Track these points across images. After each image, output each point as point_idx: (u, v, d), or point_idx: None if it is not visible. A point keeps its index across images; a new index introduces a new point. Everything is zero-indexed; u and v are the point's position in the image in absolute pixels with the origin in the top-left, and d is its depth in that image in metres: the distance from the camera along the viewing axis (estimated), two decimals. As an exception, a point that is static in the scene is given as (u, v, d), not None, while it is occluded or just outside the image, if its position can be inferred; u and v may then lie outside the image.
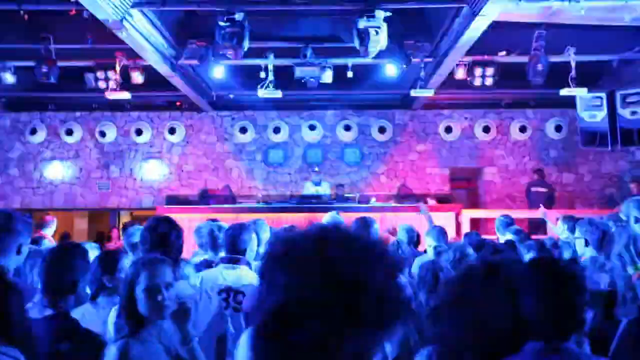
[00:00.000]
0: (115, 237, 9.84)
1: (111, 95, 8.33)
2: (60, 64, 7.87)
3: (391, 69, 8.28)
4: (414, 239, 5.39)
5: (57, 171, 11.32)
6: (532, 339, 1.37)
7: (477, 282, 1.38)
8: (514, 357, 1.35)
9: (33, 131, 11.20)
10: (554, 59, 8.00)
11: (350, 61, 8.19)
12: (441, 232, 4.75)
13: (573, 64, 8.13)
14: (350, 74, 8.36)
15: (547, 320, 1.41)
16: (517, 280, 1.42)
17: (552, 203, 9.64)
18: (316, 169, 10.42)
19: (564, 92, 8.37)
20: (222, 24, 6.77)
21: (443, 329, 1.39)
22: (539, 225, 8.44)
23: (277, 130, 11.21)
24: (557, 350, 1.40)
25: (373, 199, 9.50)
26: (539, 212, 7.15)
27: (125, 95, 8.37)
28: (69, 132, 11.18)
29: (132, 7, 6.20)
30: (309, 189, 9.79)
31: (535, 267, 1.59)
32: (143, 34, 6.89)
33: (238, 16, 6.41)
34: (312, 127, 11.24)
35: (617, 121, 9.41)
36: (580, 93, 8.77)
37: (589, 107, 9.52)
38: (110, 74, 8.26)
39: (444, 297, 1.52)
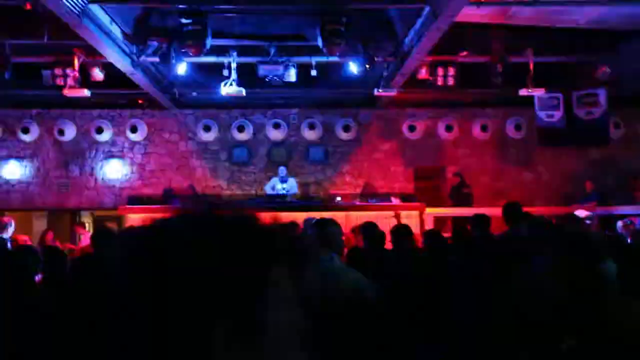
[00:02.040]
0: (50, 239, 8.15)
1: (70, 93, 8.13)
2: (15, 60, 7.64)
3: (354, 68, 8.32)
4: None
5: (13, 170, 10.99)
6: None
7: None
8: None
9: (-13, 129, 10.84)
10: (514, 59, 8.19)
11: (314, 60, 8.20)
12: None
13: (531, 65, 8.32)
14: (314, 73, 8.37)
15: None
16: None
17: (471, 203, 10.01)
18: (284, 166, 10.36)
19: (523, 92, 8.57)
20: (183, 20, 6.69)
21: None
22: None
23: (241, 128, 11.13)
24: None
25: (338, 198, 9.55)
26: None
27: (85, 92, 8.18)
28: (26, 131, 10.86)
29: (90, 2, 6.07)
30: (276, 186, 9.73)
31: None
32: (102, 30, 6.74)
33: (200, 13, 6.34)
34: (276, 126, 11.20)
35: (573, 121, 9.69)
36: (538, 93, 8.99)
37: (547, 106, 9.77)
38: (69, 70, 8.05)
39: None
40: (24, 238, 7.01)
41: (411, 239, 5.19)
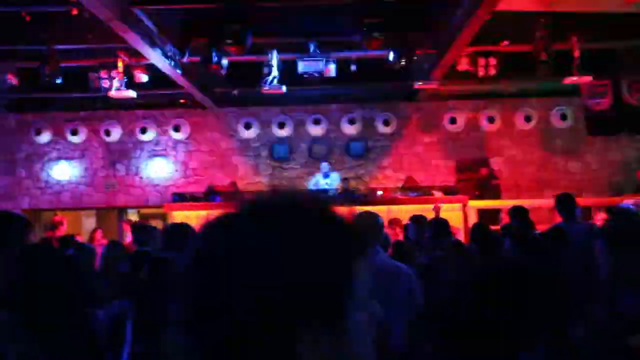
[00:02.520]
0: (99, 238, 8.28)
1: (116, 95, 8.35)
2: (63, 64, 7.89)
3: (394, 62, 8.23)
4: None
5: (63, 171, 11.38)
6: None
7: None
8: None
9: (38, 132, 11.25)
10: (558, 47, 7.94)
11: (353, 54, 8.17)
12: None
13: (577, 52, 8.06)
14: (353, 68, 8.34)
15: None
16: None
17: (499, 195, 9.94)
18: (327, 160, 10.38)
19: (568, 80, 8.32)
20: (224, 20, 6.78)
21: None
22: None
23: (281, 125, 11.21)
24: None
25: (380, 192, 9.52)
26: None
27: (130, 94, 8.39)
28: (74, 132, 11.23)
29: (133, 5, 6.21)
30: (319, 181, 9.78)
31: None
32: (145, 33, 6.89)
33: (240, 13, 6.40)
34: (316, 122, 11.23)
35: (622, 108, 9.35)
36: (584, 81, 8.71)
37: (594, 94, 9.46)
38: (114, 73, 8.27)
39: None
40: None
41: (449, 233, 5.14)
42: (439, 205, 8.21)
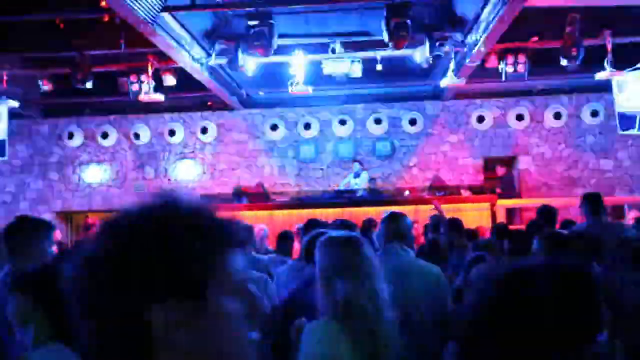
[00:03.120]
0: None
1: (145, 98, 8.48)
2: (94, 69, 8.05)
3: (421, 60, 8.20)
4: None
5: (94, 174, 11.60)
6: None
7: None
8: None
9: (70, 135, 11.49)
10: (588, 42, 7.79)
11: (379, 54, 8.14)
12: None
13: (609, 47, 7.90)
14: (379, 67, 8.32)
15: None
16: None
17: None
18: (357, 159, 10.36)
19: (599, 76, 8.16)
20: (250, 22, 6.83)
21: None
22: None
23: (307, 126, 11.25)
24: None
25: (407, 192, 9.48)
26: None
27: (159, 97, 8.51)
28: (105, 136, 11.44)
29: (162, 11, 6.30)
30: (350, 180, 9.81)
31: None
32: (174, 37, 6.99)
33: (266, 15, 6.44)
34: (342, 122, 11.23)
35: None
36: (617, 77, 8.52)
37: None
38: (143, 77, 8.40)
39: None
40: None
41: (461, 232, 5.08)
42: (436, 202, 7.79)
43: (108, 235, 0.79)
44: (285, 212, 8.82)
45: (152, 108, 10.81)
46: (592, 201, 4.92)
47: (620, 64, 8.14)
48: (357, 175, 9.75)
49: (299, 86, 8.33)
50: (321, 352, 2.03)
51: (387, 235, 3.21)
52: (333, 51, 8.10)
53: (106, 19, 6.38)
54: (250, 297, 0.77)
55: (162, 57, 7.81)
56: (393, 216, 3.33)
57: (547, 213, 5.32)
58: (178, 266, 0.74)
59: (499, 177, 10.45)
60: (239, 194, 9.89)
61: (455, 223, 5.16)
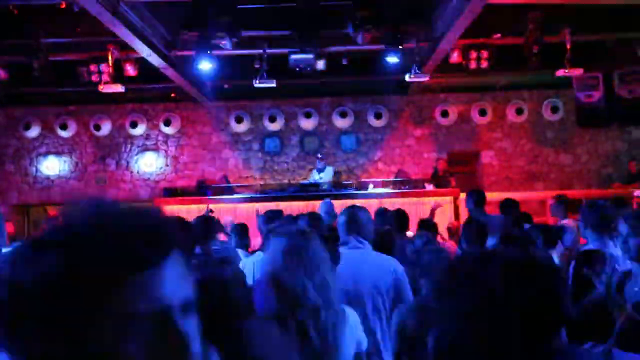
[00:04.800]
0: None
1: (105, 89, 8.26)
2: (52, 58, 7.80)
3: (386, 55, 8.22)
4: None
5: (53, 166, 11.28)
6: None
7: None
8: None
9: (27, 126, 11.12)
10: (549, 39, 7.95)
11: (344, 48, 8.13)
12: None
13: (569, 45, 8.08)
14: (344, 61, 8.30)
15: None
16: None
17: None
18: (319, 155, 10.35)
19: (560, 73, 8.34)
20: (215, 14, 6.72)
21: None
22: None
23: (272, 119, 11.17)
24: None
25: (371, 186, 9.51)
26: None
27: (119, 88, 8.30)
28: (64, 126, 11.12)
29: (122, -1, 6.14)
30: (314, 176, 9.78)
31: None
32: (135, 26, 6.82)
33: (230, 6, 6.35)
34: (308, 115, 11.19)
35: (613, 100, 9.40)
36: (576, 73, 8.73)
37: (586, 87, 9.50)
38: (103, 67, 8.18)
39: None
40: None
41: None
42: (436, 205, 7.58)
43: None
44: (250, 205, 8.74)
45: (113, 99, 10.55)
46: (475, 195, 5.46)
47: (579, 62, 8.33)
48: (320, 171, 9.74)
49: (263, 79, 8.26)
50: (268, 351, 2.01)
51: (345, 227, 3.23)
52: (298, 44, 8.05)
53: (63, 5, 6.16)
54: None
55: (123, 46, 7.62)
56: (351, 209, 3.34)
57: (508, 207, 5.44)
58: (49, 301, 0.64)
59: (438, 170, 10.45)
60: (203, 187, 9.76)
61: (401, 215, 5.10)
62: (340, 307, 2.13)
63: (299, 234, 2.16)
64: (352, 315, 2.21)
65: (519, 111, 11.06)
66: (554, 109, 11.02)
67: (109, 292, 0.66)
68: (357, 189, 9.86)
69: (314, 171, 9.92)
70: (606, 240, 3.25)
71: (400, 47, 7.70)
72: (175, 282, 0.70)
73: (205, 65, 7.80)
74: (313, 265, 2.07)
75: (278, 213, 4.94)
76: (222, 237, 4.89)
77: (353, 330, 2.17)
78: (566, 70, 8.25)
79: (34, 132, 11.17)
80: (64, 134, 11.17)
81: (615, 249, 3.08)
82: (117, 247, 0.67)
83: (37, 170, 11.28)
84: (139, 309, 0.66)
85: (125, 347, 0.65)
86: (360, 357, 2.21)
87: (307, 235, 2.17)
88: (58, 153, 11.29)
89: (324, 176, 9.63)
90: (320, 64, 8.25)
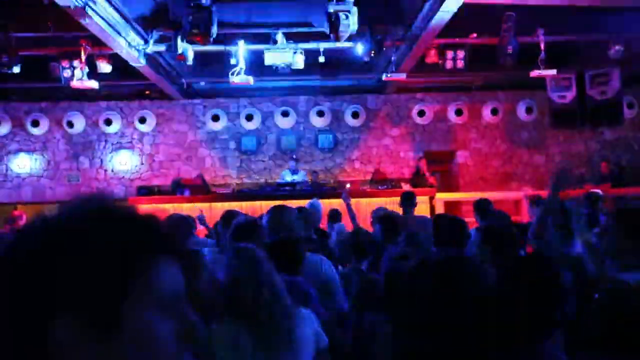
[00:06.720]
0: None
1: (77, 85, 8.09)
2: (22, 52, 7.61)
3: (363, 54, 8.21)
4: None
5: (24, 164, 11.03)
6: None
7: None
8: None
9: (-3, 123, 10.86)
10: (524, 40, 8.02)
11: (321, 46, 8.09)
12: None
13: (542, 45, 8.16)
14: (322, 59, 8.27)
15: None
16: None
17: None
18: (294, 156, 10.32)
19: (534, 73, 8.42)
20: (189, 10, 6.62)
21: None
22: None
23: (249, 117, 11.09)
24: None
25: (348, 185, 9.49)
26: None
27: (92, 84, 8.14)
28: (35, 124, 10.88)
29: (95, -7, 6.00)
30: (286, 177, 9.72)
31: None
32: (108, 22, 6.69)
33: (205, 2, 6.27)
34: (285, 114, 11.14)
35: (585, 101, 9.54)
36: (549, 74, 8.83)
37: (559, 87, 9.62)
38: (76, 62, 8.01)
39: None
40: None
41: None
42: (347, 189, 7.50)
43: (16, 240, 0.71)
44: (226, 204, 8.64)
45: (86, 95, 10.37)
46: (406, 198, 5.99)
47: (553, 62, 8.43)
48: (294, 173, 9.72)
49: (240, 76, 8.18)
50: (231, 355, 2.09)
51: (271, 227, 3.22)
52: (275, 42, 7.99)
53: (33, -2, 6.01)
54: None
55: (96, 42, 7.46)
56: (276, 209, 3.35)
57: (481, 206, 5.48)
58: (84, 278, 0.65)
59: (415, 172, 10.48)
60: (179, 186, 9.63)
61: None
62: (288, 307, 2.20)
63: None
64: (308, 315, 2.28)
65: (494, 111, 11.16)
66: (529, 110, 11.15)
67: (135, 271, 0.68)
68: (334, 188, 9.84)
69: (287, 171, 9.87)
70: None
71: (377, 45, 7.70)
72: (170, 279, 0.72)
73: (181, 62, 7.69)
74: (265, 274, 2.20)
75: (235, 214, 4.92)
76: (200, 233, 4.84)
77: (311, 329, 2.24)
78: (540, 71, 8.33)
79: (4, 129, 10.91)
80: (35, 131, 10.93)
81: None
82: (117, 246, 0.69)
83: (7, 169, 11.03)
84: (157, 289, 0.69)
85: (152, 322, 0.68)
86: (322, 354, 2.27)
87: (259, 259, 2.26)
88: (29, 151, 11.05)
89: (297, 178, 9.60)
90: (297, 62, 8.20)
